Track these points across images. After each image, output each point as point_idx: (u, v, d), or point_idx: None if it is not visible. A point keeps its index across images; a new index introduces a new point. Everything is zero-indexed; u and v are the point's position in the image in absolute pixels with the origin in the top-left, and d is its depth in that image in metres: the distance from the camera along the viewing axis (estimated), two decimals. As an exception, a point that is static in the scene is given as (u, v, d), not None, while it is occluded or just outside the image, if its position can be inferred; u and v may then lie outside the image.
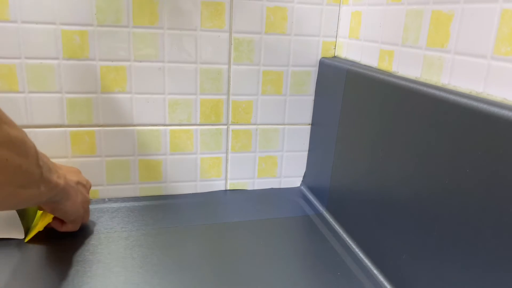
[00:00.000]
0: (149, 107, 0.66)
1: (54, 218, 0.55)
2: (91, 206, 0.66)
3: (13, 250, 0.54)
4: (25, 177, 0.36)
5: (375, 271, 0.53)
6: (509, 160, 0.34)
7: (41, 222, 0.55)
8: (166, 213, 0.66)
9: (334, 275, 0.52)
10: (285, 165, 0.77)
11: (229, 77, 0.68)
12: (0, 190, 0.33)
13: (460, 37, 0.43)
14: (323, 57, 0.71)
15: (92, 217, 0.63)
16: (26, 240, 0.55)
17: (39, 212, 0.57)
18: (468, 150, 0.38)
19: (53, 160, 0.65)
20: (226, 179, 0.75)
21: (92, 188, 0.67)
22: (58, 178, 0.46)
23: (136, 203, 0.68)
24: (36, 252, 0.54)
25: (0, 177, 0.32)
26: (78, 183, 0.54)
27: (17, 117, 0.61)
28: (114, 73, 0.63)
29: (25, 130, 0.62)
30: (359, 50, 0.63)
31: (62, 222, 0.56)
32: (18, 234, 0.56)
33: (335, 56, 0.72)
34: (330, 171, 0.67)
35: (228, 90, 0.69)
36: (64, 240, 0.56)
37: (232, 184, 0.75)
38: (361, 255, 0.56)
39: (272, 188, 0.77)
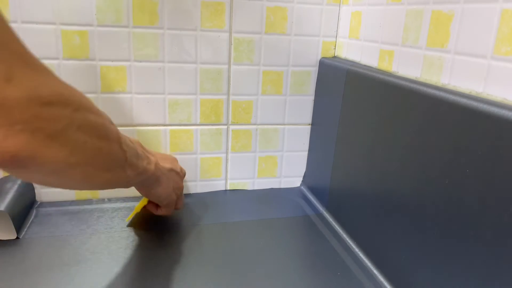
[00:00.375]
0: (149, 107, 0.66)
1: (150, 202, 0.59)
2: (91, 206, 0.66)
3: (11, 250, 0.54)
4: (106, 160, 0.38)
5: (375, 271, 0.53)
6: (509, 160, 0.34)
7: (138, 205, 0.60)
8: (166, 213, 0.66)
9: (334, 275, 0.52)
10: (285, 165, 0.77)
11: (229, 77, 0.68)
12: (79, 170, 0.35)
13: (460, 37, 0.43)
14: (323, 57, 0.71)
15: (92, 217, 0.63)
16: (127, 220, 0.62)
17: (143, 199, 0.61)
18: (468, 150, 0.38)
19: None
20: (226, 179, 0.75)
21: (92, 188, 0.67)
22: (148, 164, 0.47)
23: (136, 203, 0.68)
24: (35, 252, 0.54)
25: (78, 158, 0.33)
26: (171, 170, 0.56)
27: (17, 117, 0.61)
28: (114, 73, 0.63)
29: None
30: (359, 50, 0.63)
31: (156, 206, 0.59)
32: (9, 235, 0.56)
33: (335, 56, 0.72)
34: (330, 171, 0.67)
35: (228, 90, 0.69)
36: (63, 240, 0.56)
37: (232, 184, 0.75)
38: (361, 255, 0.56)
39: (272, 188, 0.77)
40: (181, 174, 0.60)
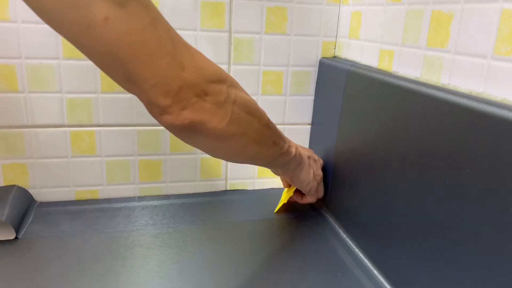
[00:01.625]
0: (149, 107, 0.66)
1: (295, 192, 0.66)
2: (91, 206, 0.66)
3: (11, 250, 0.54)
4: (256, 133, 0.44)
5: (375, 271, 0.53)
6: (509, 160, 0.34)
7: (285, 196, 0.67)
8: (167, 213, 0.66)
9: (334, 275, 0.52)
10: (285, 165, 0.76)
11: (229, 77, 0.68)
12: (236, 139, 0.41)
13: (460, 37, 0.43)
14: (323, 57, 0.71)
15: (92, 217, 0.63)
16: (275, 211, 0.68)
17: (284, 190, 0.68)
18: (468, 150, 0.38)
19: (53, 160, 0.65)
20: (226, 179, 0.75)
21: (92, 188, 0.67)
22: (290, 147, 0.53)
23: (136, 203, 0.68)
24: (35, 252, 0.54)
25: (235, 128, 0.40)
26: (309, 157, 0.61)
27: (17, 117, 0.61)
28: (114, 73, 0.63)
29: (25, 130, 0.62)
30: (359, 50, 0.63)
31: (301, 195, 0.66)
32: (9, 235, 0.56)
33: (335, 56, 0.72)
34: (330, 171, 0.67)
35: (228, 90, 0.69)
36: (63, 240, 0.56)
37: (232, 184, 0.75)
38: (361, 255, 0.56)
39: (272, 188, 0.77)
40: (318, 163, 0.63)
